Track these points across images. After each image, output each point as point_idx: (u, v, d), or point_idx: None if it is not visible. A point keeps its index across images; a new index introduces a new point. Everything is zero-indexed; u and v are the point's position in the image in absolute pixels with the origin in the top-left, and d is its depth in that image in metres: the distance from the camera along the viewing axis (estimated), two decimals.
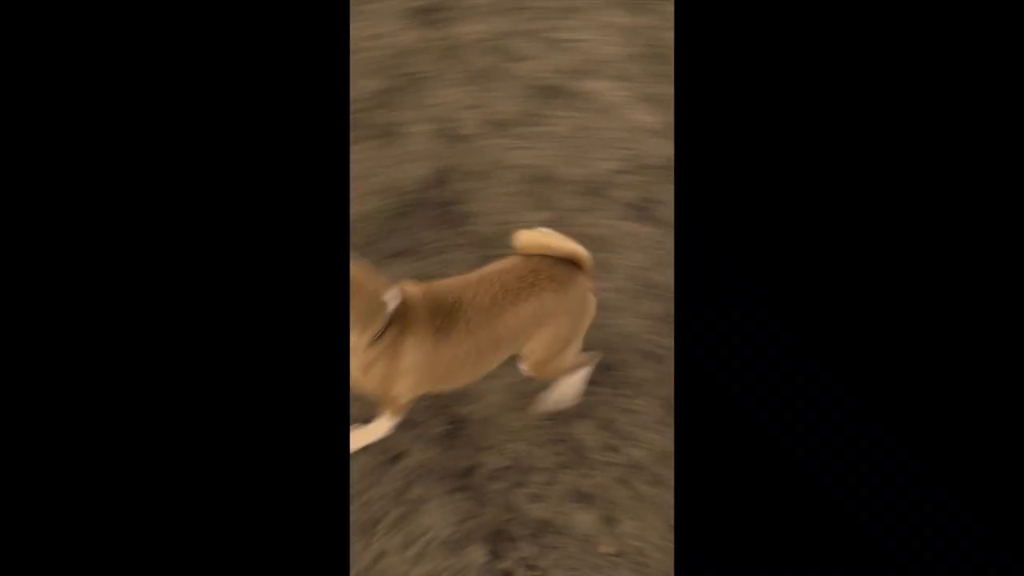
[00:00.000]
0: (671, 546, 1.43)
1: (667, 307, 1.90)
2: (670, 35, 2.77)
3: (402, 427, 1.56)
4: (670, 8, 2.85)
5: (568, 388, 1.57)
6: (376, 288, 1.20)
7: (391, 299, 1.22)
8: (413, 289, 1.28)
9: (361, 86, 2.54)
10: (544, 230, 1.36)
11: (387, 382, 1.27)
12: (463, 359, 1.30)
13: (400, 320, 1.22)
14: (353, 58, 2.63)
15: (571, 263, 1.33)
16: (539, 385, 1.66)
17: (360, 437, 1.41)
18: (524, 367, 1.44)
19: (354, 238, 2.04)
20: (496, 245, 2.02)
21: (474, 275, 1.32)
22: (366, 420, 1.45)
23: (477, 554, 1.45)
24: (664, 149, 2.37)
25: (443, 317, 1.25)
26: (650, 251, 2.07)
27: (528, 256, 1.33)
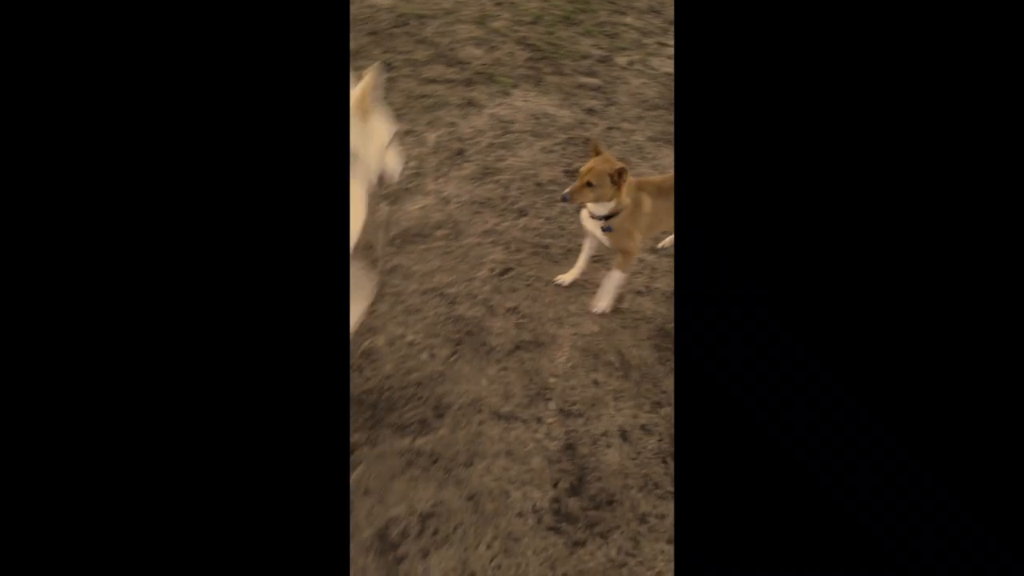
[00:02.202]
0: None
1: None
2: None
3: None
4: None
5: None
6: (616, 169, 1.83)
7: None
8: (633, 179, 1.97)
9: None
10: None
11: (628, 238, 1.95)
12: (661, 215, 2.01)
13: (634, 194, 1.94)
14: None
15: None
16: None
17: (612, 282, 2.03)
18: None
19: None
20: None
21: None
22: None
23: None
24: None
25: (655, 191, 1.97)
26: None
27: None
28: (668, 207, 1.96)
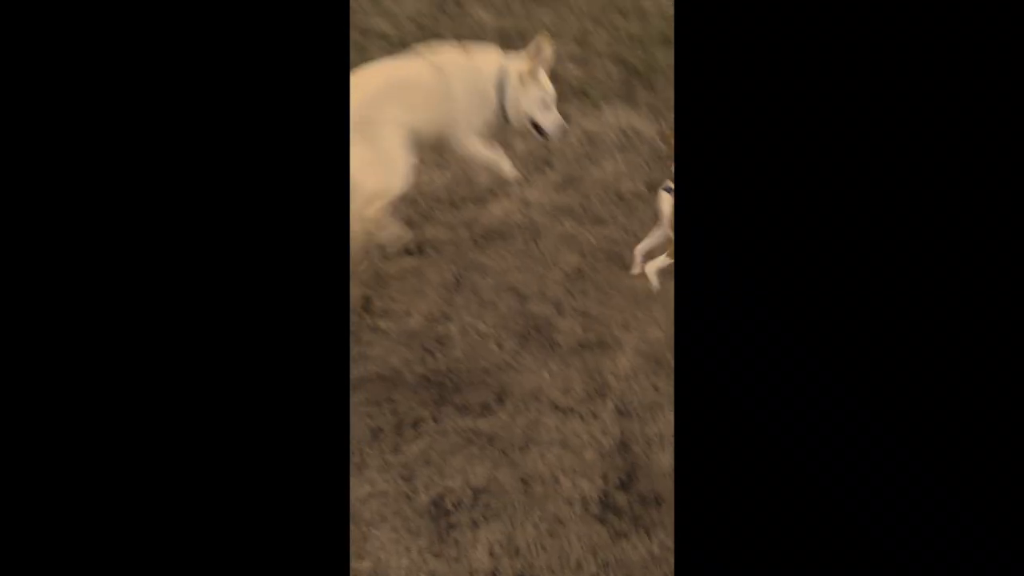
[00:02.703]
0: None
1: None
2: None
3: None
4: None
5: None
6: None
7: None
8: None
9: None
10: None
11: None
12: None
13: None
14: None
15: None
16: None
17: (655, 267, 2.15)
18: None
19: None
20: None
21: None
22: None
23: None
24: None
25: None
26: None
27: None
28: None
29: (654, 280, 2.16)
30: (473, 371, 1.91)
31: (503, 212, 2.50)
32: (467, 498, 1.58)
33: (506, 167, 2.20)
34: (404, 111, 1.93)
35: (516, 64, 2.05)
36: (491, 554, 1.47)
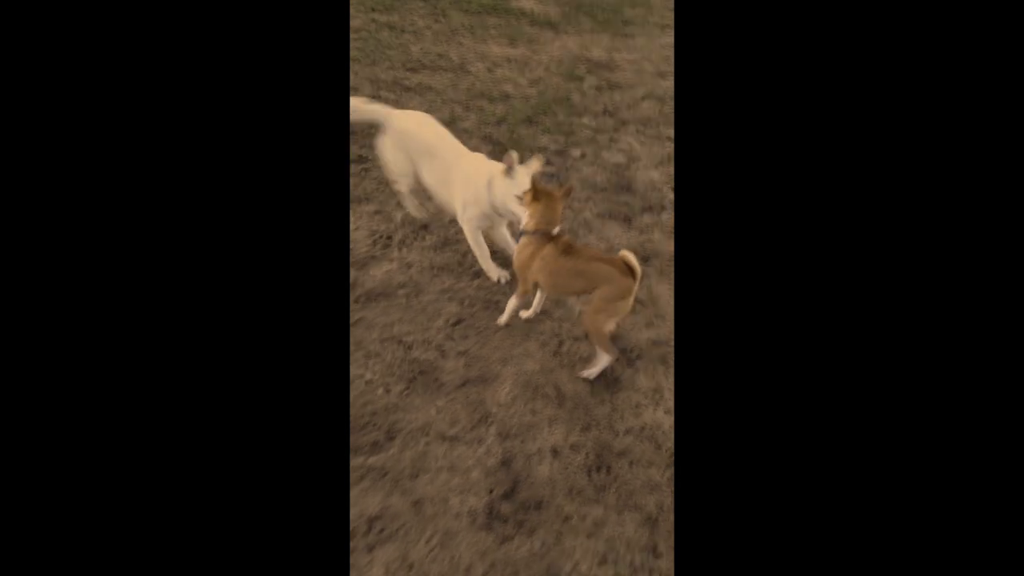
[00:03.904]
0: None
1: None
2: None
3: None
4: None
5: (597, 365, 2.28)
6: (556, 214, 2.21)
7: (558, 225, 2.23)
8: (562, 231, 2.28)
9: None
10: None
11: (524, 268, 2.25)
12: (566, 274, 2.16)
13: (551, 238, 2.20)
14: None
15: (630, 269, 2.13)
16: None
17: (509, 305, 2.42)
18: (584, 310, 2.25)
19: None
20: None
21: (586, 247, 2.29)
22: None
23: None
24: None
25: (565, 248, 2.17)
26: None
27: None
28: (567, 269, 2.17)
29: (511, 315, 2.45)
30: (362, 415, 2.02)
31: (385, 274, 2.68)
32: (362, 527, 1.67)
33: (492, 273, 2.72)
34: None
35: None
36: (386, 571, 1.56)
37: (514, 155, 2.35)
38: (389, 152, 2.69)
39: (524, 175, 2.30)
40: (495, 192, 2.40)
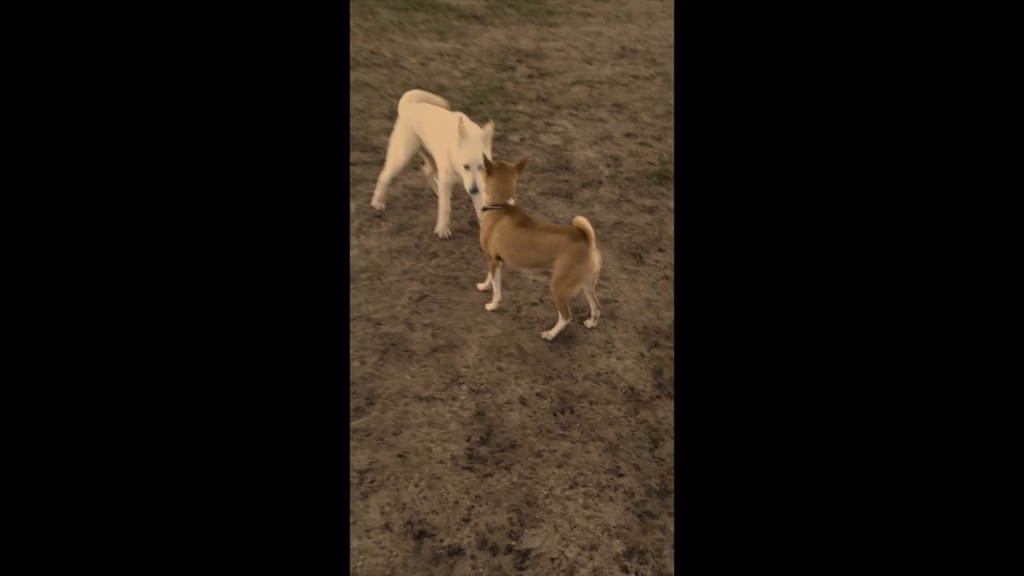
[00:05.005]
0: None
1: None
2: None
3: None
4: None
5: (556, 327, 2.48)
6: (511, 187, 2.43)
7: (513, 197, 2.45)
8: (518, 204, 2.50)
9: None
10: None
11: (486, 241, 2.47)
12: (520, 246, 2.37)
13: (507, 210, 2.42)
14: None
15: (583, 234, 2.31)
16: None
17: (485, 285, 2.71)
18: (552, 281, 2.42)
19: None
20: None
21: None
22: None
23: None
24: None
25: (521, 221, 2.39)
26: None
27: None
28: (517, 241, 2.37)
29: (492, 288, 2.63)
30: None
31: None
32: (355, 479, 1.83)
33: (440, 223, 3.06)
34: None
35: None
36: (382, 512, 1.73)
37: (489, 127, 2.66)
38: (401, 135, 3.03)
39: (473, 147, 2.54)
40: (452, 156, 2.69)
